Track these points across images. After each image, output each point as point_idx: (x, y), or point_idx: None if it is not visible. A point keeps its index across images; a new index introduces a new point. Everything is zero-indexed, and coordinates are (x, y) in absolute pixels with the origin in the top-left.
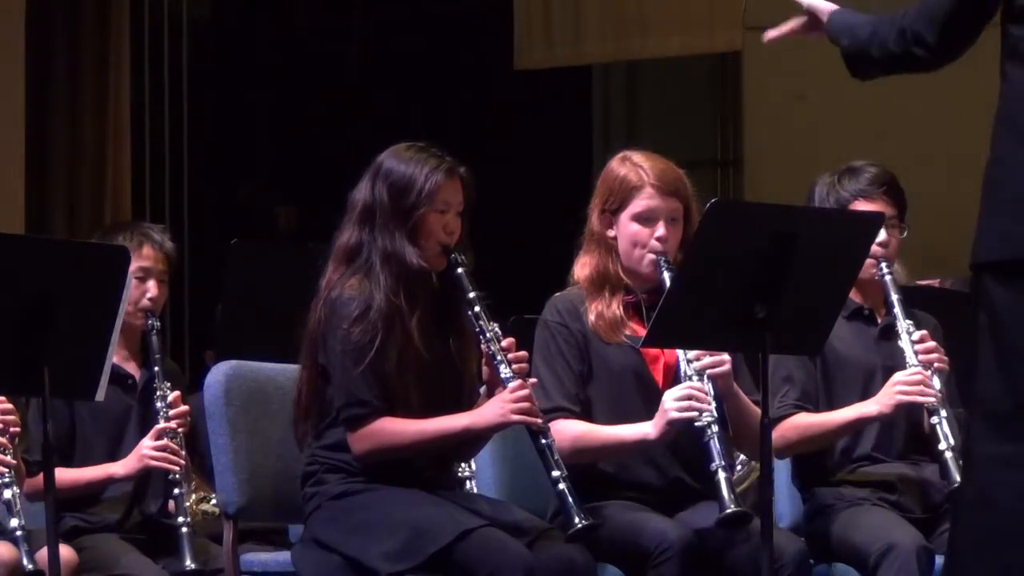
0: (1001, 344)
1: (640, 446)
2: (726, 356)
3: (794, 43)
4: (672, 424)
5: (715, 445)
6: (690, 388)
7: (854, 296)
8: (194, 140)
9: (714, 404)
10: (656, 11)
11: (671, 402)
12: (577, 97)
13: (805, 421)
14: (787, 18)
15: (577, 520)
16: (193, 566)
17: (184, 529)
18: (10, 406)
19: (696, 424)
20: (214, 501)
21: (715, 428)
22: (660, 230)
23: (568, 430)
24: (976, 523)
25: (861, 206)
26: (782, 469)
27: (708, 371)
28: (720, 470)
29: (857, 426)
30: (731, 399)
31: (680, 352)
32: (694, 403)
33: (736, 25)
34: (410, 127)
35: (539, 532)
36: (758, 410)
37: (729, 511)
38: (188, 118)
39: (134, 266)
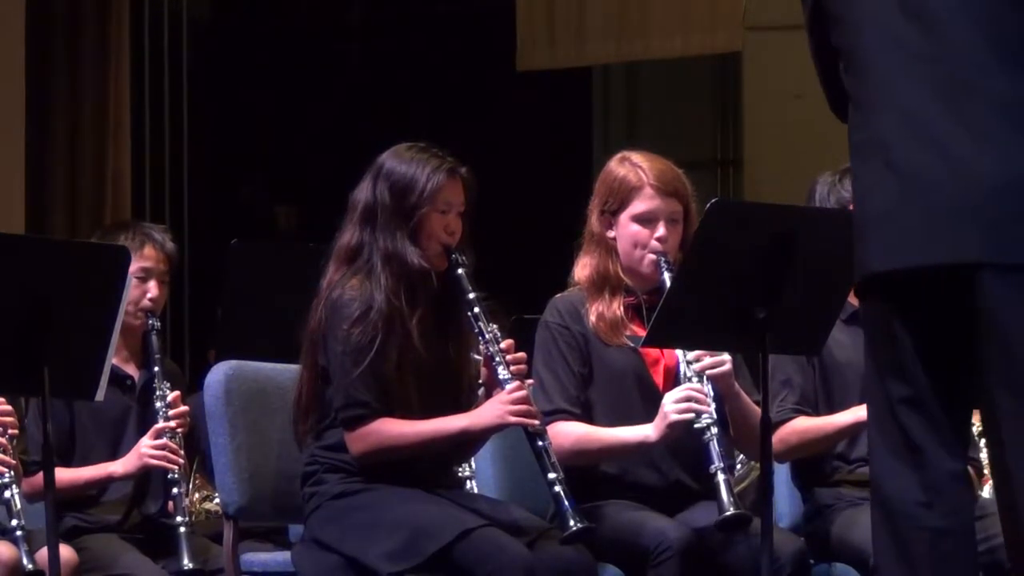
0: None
1: (640, 448)
2: (726, 356)
3: (794, 43)
4: (672, 427)
5: (715, 447)
6: (690, 390)
7: (852, 299)
8: (194, 140)
9: (714, 405)
10: (657, 12)
11: (671, 404)
12: (577, 97)
13: (804, 425)
14: (787, 18)
15: (572, 523)
16: (191, 566)
17: (182, 529)
18: (9, 408)
19: (696, 426)
20: (217, 500)
21: (715, 430)
22: (660, 231)
23: (569, 432)
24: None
25: None
26: (781, 469)
27: (708, 372)
28: (720, 472)
29: (856, 431)
30: (731, 400)
31: (680, 353)
32: (693, 404)
33: (736, 25)
34: (411, 127)
35: (539, 532)
36: (759, 410)
37: (728, 513)
38: (188, 118)
39: (135, 266)
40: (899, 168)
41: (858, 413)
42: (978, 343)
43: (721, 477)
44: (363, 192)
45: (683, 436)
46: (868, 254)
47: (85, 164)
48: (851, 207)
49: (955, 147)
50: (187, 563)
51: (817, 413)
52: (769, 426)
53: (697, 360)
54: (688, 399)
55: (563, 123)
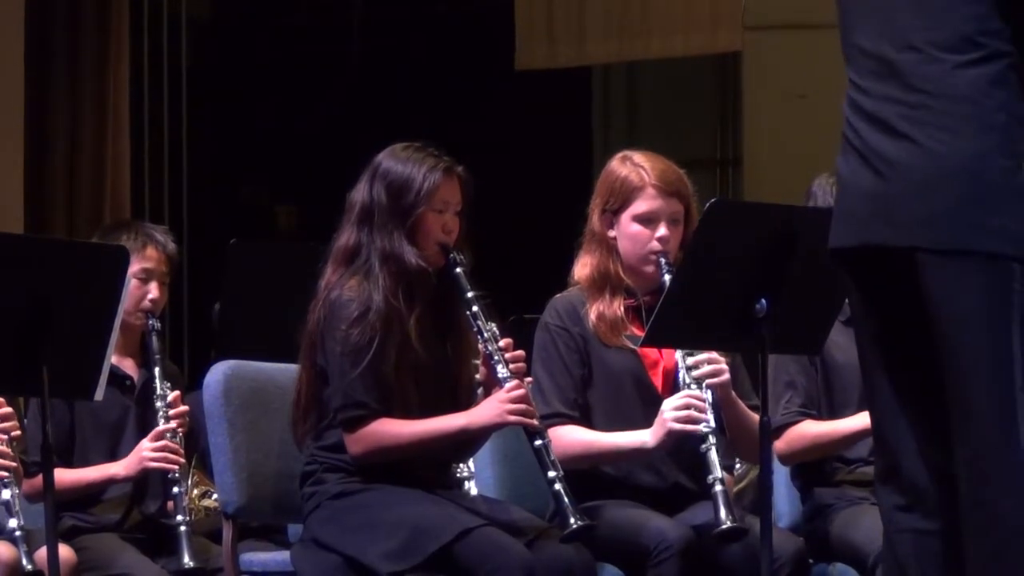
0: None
1: (637, 454)
2: (724, 365)
3: (794, 42)
4: (671, 434)
5: (713, 456)
6: (689, 397)
7: None
8: (194, 140)
9: (712, 414)
10: (657, 12)
11: (670, 412)
12: (577, 97)
13: (813, 431)
14: (787, 18)
15: (573, 521)
16: (191, 564)
17: (182, 528)
18: (9, 409)
19: (695, 435)
20: (216, 497)
21: (713, 439)
22: (661, 230)
23: (565, 436)
24: None
25: None
26: (781, 469)
27: (707, 381)
28: (717, 483)
29: (863, 436)
30: (729, 407)
31: (679, 359)
32: (693, 413)
33: (736, 25)
34: (411, 127)
35: (538, 532)
36: (756, 417)
37: (724, 527)
38: (188, 118)
39: (137, 267)
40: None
41: (866, 421)
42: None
43: (719, 488)
44: (360, 192)
45: (682, 440)
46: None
47: (84, 164)
48: None
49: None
50: (187, 562)
51: (819, 414)
52: (769, 426)
53: (696, 367)
54: (687, 407)
55: (563, 123)
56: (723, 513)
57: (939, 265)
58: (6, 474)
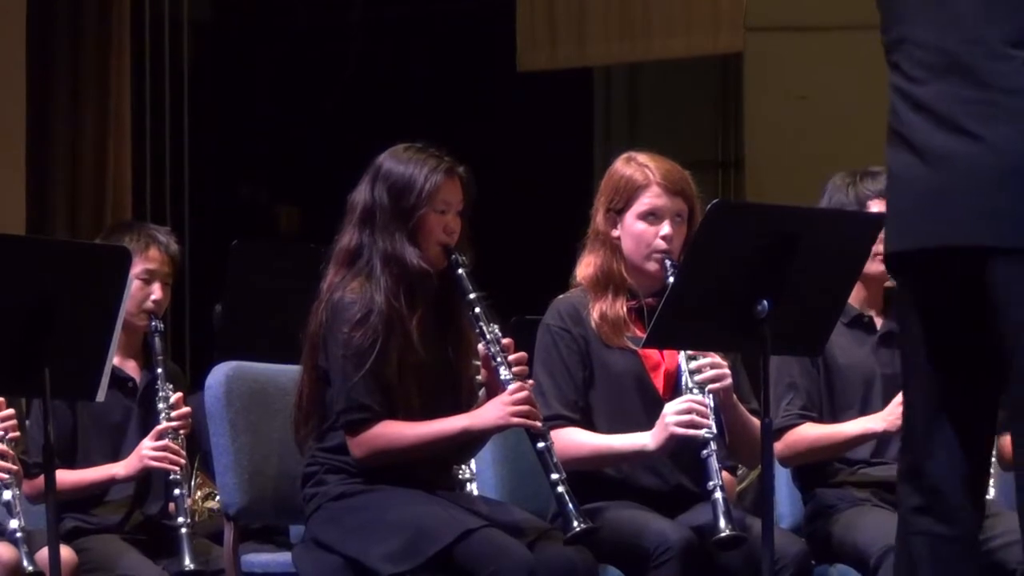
0: None
1: (638, 457)
2: (726, 370)
3: (796, 43)
4: (672, 439)
5: (714, 463)
6: (691, 402)
7: (854, 301)
8: (195, 141)
9: (714, 419)
10: (659, 13)
11: (672, 416)
12: (578, 98)
13: (813, 434)
14: (788, 19)
15: (575, 523)
16: (192, 566)
17: (184, 530)
18: (10, 411)
19: (696, 440)
20: (219, 497)
21: (714, 445)
22: (665, 229)
23: (566, 439)
24: None
25: (877, 207)
26: (783, 470)
27: (710, 387)
28: (718, 489)
29: (862, 441)
30: (730, 412)
31: (682, 362)
32: (695, 418)
33: (737, 26)
34: (411, 128)
35: (539, 533)
36: (757, 422)
37: (724, 535)
38: (189, 119)
39: (139, 268)
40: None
41: (866, 425)
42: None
43: (719, 495)
44: (361, 194)
45: (683, 443)
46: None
47: (86, 165)
48: (869, 205)
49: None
50: (189, 563)
51: (821, 416)
52: (770, 427)
53: (699, 372)
54: (690, 411)
55: (564, 124)
56: (722, 521)
57: (1006, 263)
58: (6, 476)
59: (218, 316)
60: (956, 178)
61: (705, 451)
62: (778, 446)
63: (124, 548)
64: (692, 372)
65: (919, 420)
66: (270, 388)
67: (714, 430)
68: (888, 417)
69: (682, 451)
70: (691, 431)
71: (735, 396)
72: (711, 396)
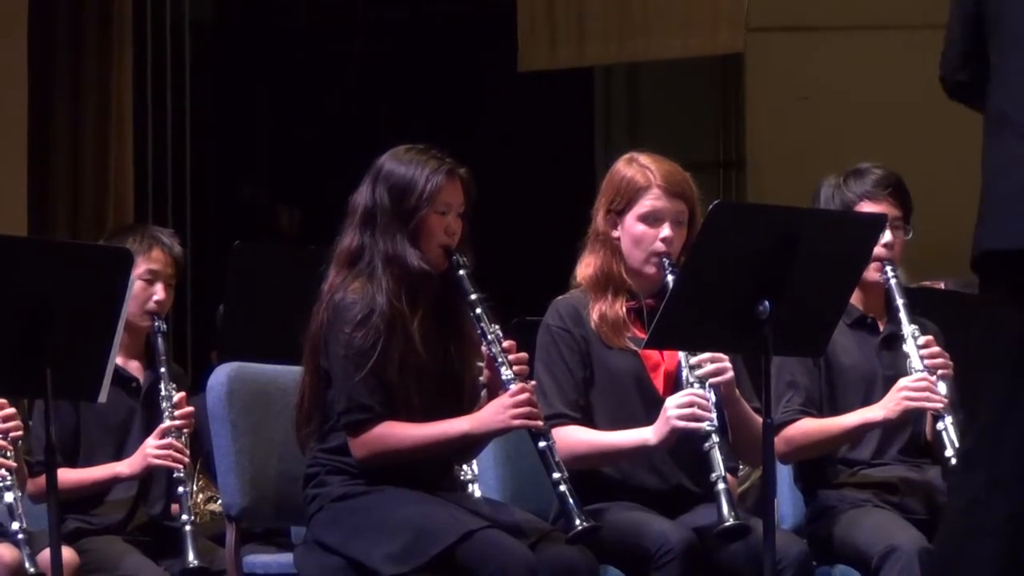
0: None
1: (640, 452)
2: (727, 364)
3: (796, 44)
4: (674, 432)
5: (716, 455)
6: (692, 395)
7: (856, 303)
8: (197, 141)
9: (715, 412)
10: (659, 13)
11: (674, 409)
12: (579, 98)
13: (810, 426)
14: (789, 19)
15: (578, 522)
16: (196, 563)
17: (187, 527)
18: (12, 410)
19: (698, 434)
20: (220, 499)
21: (716, 438)
22: (665, 231)
23: (567, 437)
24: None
25: (867, 207)
26: (784, 470)
27: (710, 380)
28: (720, 481)
29: (862, 431)
30: (732, 407)
31: (682, 359)
32: (697, 411)
33: (738, 26)
34: (412, 128)
35: (541, 534)
36: (759, 418)
37: (728, 524)
38: (191, 119)
39: (142, 268)
40: None
41: (865, 415)
42: None
43: (722, 486)
44: (362, 195)
45: (683, 441)
46: (986, 231)
47: (87, 165)
48: (858, 208)
49: None
50: (192, 561)
51: (821, 415)
52: (771, 428)
53: (699, 366)
54: (691, 404)
55: (564, 124)
56: (726, 511)
57: None
58: (7, 474)
59: (221, 317)
60: None
61: (707, 444)
62: (777, 442)
63: (126, 549)
64: (692, 367)
65: (1002, 417)
66: (271, 389)
67: (715, 423)
68: (888, 405)
69: (682, 449)
70: (692, 424)
71: (736, 391)
72: (712, 390)
